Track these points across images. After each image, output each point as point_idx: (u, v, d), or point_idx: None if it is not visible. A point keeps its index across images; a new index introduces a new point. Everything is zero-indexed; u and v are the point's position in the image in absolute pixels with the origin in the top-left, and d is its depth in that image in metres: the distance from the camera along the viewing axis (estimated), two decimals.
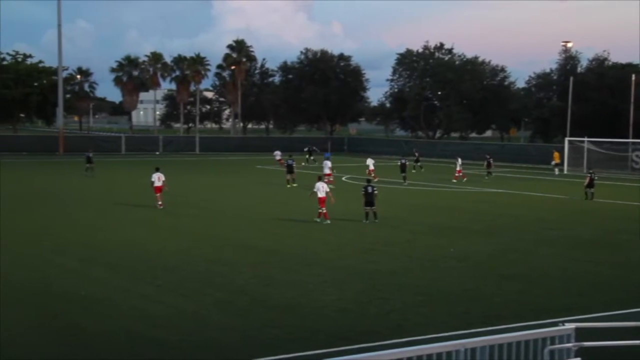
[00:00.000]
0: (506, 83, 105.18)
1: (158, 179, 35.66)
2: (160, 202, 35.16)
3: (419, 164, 63.28)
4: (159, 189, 35.41)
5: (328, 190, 32.01)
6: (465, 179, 52.64)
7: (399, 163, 53.17)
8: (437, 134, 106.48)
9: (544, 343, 10.39)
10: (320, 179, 33.78)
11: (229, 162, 72.42)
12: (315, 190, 31.77)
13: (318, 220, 31.22)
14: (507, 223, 32.62)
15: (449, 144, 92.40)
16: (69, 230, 28.32)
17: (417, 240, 27.42)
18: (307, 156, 71.29)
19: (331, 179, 46.44)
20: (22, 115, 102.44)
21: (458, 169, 53.41)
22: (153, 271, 20.90)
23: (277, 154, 66.90)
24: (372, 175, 51.26)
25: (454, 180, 52.41)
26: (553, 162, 65.78)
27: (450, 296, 18.81)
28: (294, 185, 47.14)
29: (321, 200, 31.42)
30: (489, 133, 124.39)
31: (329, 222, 30.96)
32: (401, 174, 51.48)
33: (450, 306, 17.80)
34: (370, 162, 54.71)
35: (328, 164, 50.29)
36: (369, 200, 31.23)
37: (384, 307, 17.49)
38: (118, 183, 47.64)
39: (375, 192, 31.56)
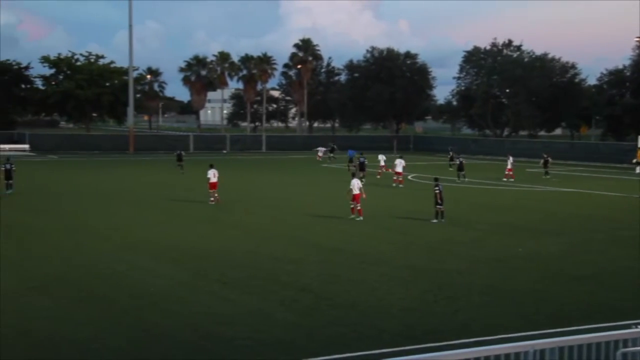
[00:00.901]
0: (577, 80, 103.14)
1: (214, 175, 36.44)
2: (212, 199, 36.03)
3: (452, 162, 61.88)
4: (214, 185, 36.22)
5: (361, 186, 32.17)
6: (512, 179, 51.65)
7: (457, 162, 53.41)
8: (505, 132, 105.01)
9: (616, 345, 10.13)
10: (354, 175, 33.84)
11: (294, 161, 72.75)
12: (350, 187, 31.88)
13: (353, 216, 31.39)
14: (577, 222, 31.96)
15: (517, 142, 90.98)
16: (137, 227, 28.83)
17: (483, 239, 27.08)
18: (329, 153, 72.65)
19: (400, 179, 46.42)
20: (94, 114, 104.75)
21: (509, 167, 52.75)
22: (219, 268, 21.12)
23: (320, 150, 66.82)
24: (383, 172, 51.85)
25: (504, 179, 51.80)
26: (635, 160, 63.98)
27: (519, 296, 18.51)
28: (363, 181, 47.02)
29: (355, 197, 31.63)
30: (558, 131, 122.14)
31: (361, 218, 31.09)
32: (458, 172, 51.24)
33: (519, 307, 17.52)
34: (381, 157, 54.82)
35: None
36: (439, 199, 31.02)
37: (450, 307, 17.32)
38: (184, 182, 48.27)
39: (440, 190, 31.22)
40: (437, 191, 31.21)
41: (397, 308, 17.17)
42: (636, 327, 10.44)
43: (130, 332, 15.02)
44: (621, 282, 20.41)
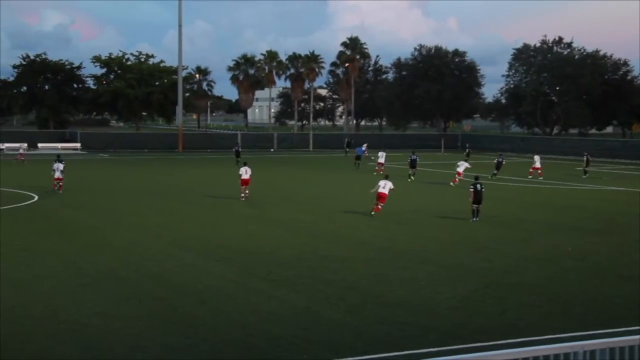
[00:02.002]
0: (629, 77, 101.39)
1: (245, 172, 37.13)
2: (243, 195, 36.74)
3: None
4: (245, 182, 36.94)
5: (392, 188, 32.32)
6: (541, 177, 51.17)
7: (496, 161, 53.17)
8: (555, 130, 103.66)
9: None
10: (387, 177, 33.83)
11: (342, 159, 72.78)
12: (378, 185, 32.38)
13: (373, 213, 31.62)
14: (627, 222, 31.42)
15: (567, 140, 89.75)
16: (186, 224, 29.14)
17: (532, 238, 26.81)
18: (345, 148, 74.72)
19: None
20: (144, 113, 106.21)
21: (537, 165, 51.94)
22: (267, 266, 21.25)
23: (363, 148, 66.75)
24: (381, 169, 52.52)
25: (529, 176, 51.35)
26: None
27: (567, 296, 18.30)
28: (413, 179, 49.14)
29: (381, 196, 31.85)
30: (609, 129, 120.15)
31: (373, 214, 31.49)
32: (493, 171, 51.23)
33: (567, 307, 17.33)
34: (381, 155, 55.55)
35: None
36: (478, 198, 30.76)
37: (498, 306, 17.20)
38: (232, 180, 48.62)
39: (483, 189, 31.09)
40: (472, 189, 31.01)
41: (444, 307, 17.11)
42: None
43: (179, 329, 15.21)
44: None
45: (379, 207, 31.80)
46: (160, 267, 21.05)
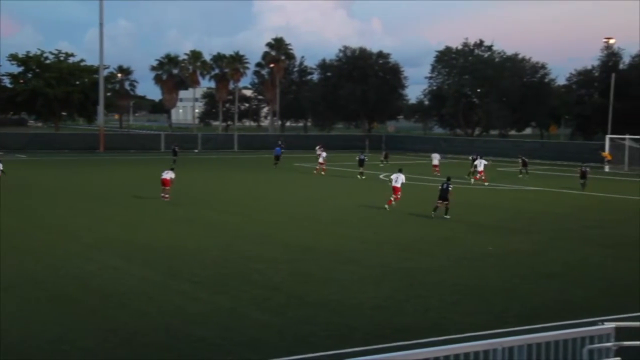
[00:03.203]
0: (546, 80, 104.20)
1: (166, 172, 37.14)
2: (162, 195, 36.50)
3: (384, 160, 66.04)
4: (165, 182, 36.76)
5: (404, 181, 34.54)
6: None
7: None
8: (476, 132, 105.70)
9: (583, 342, 10.25)
10: (400, 170, 35.78)
11: (267, 160, 72.53)
12: (391, 178, 35.08)
13: (386, 207, 33.67)
14: (547, 221, 32.27)
15: (488, 141, 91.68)
16: (108, 226, 28.62)
17: (455, 238, 27.26)
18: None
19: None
20: (63, 113, 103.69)
21: (480, 169, 51.32)
22: (191, 268, 21.03)
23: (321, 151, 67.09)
24: (323, 168, 55.22)
25: (473, 180, 51.91)
26: (607, 159, 65.48)
27: (489, 295, 18.67)
28: (360, 176, 52.43)
29: (394, 189, 34.08)
30: (528, 130, 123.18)
31: (387, 207, 33.50)
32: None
33: (489, 305, 17.66)
34: (322, 154, 57.24)
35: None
36: (443, 195, 32.16)
37: (421, 305, 17.41)
38: (156, 181, 47.99)
39: (450, 188, 32.50)
40: (440, 187, 32.83)
41: (368, 306, 17.23)
42: (602, 324, 10.58)
43: (100, 332, 14.90)
44: (589, 280, 20.68)
45: (392, 200, 33.64)
46: (81, 270, 20.60)
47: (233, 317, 16.19)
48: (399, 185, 34.02)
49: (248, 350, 14.04)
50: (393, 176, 34.74)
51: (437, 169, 56.69)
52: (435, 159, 58.49)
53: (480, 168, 51.02)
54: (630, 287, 19.85)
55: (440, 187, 32.97)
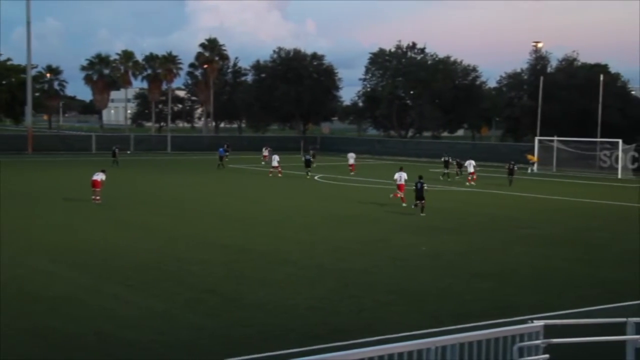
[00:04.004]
0: (478, 82, 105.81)
1: (97, 175, 36.55)
2: (93, 197, 35.97)
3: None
4: (95, 183, 36.16)
5: (406, 178, 37.01)
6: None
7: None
8: (409, 133, 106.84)
9: (513, 340, 10.45)
10: (401, 169, 38.31)
11: (201, 161, 72.08)
12: (395, 178, 37.47)
13: (405, 204, 35.65)
14: (479, 222, 32.80)
15: (421, 142, 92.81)
16: (37, 229, 28.01)
17: (389, 238, 27.48)
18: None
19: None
20: None
21: (471, 170, 51.59)
22: (123, 271, 20.74)
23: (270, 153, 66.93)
24: (279, 171, 55.46)
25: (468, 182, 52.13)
26: (532, 162, 66.98)
27: (422, 295, 18.88)
28: (310, 175, 54.71)
29: (399, 187, 36.67)
30: (460, 132, 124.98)
31: (405, 205, 35.68)
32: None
33: (422, 305, 17.87)
34: (274, 157, 57.67)
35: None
36: (419, 195, 33.72)
37: (355, 306, 17.50)
38: (86, 182, 47.20)
39: (425, 187, 34.19)
40: (414, 188, 34.11)
41: (303, 307, 17.25)
42: (531, 322, 10.81)
43: (29, 338, 14.58)
44: (520, 279, 21.08)
45: (399, 194, 36.40)
46: (10, 274, 20.08)
47: (166, 320, 16.02)
48: (402, 182, 36.70)
49: (181, 353, 13.91)
50: (396, 175, 37.42)
51: (352, 167, 59.61)
52: (352, 158, 61.29)
53: (471, 169, 51.46)
54: (559, 285, 20.33)
55: (414, 187, 34.12)
